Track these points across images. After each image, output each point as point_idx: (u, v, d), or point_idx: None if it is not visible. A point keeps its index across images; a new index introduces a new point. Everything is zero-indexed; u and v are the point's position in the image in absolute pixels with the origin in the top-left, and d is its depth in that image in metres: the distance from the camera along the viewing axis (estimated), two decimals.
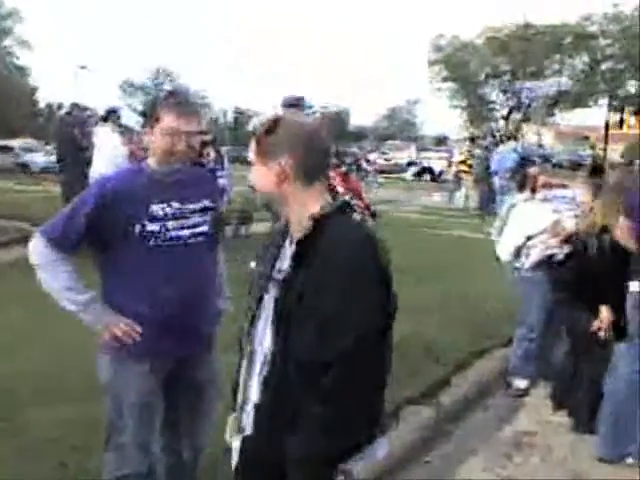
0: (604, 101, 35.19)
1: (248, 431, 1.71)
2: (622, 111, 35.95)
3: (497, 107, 38.54)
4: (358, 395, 1.53)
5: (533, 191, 4.60)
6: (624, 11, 33.49)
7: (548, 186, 4.92)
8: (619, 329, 3.71)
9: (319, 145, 1.66)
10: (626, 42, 33.12)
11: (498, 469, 3.54)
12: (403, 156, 30.24)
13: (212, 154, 7.38)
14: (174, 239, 2.28)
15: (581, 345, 4.08)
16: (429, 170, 27.91)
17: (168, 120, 2.22)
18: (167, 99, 2.32)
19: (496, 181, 13.74)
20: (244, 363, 1.76)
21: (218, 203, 2.54)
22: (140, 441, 2.29)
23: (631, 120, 36.35)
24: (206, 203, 2.38)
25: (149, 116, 2.30)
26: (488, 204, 13.97)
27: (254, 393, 1.70)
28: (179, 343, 2.30)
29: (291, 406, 1.58)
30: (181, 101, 2.28)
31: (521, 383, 4.55)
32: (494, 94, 38.19)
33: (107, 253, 2.30)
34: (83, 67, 39.67)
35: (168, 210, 2.27)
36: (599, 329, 3.73)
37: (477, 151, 15.72)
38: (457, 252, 9.21)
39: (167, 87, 49.91)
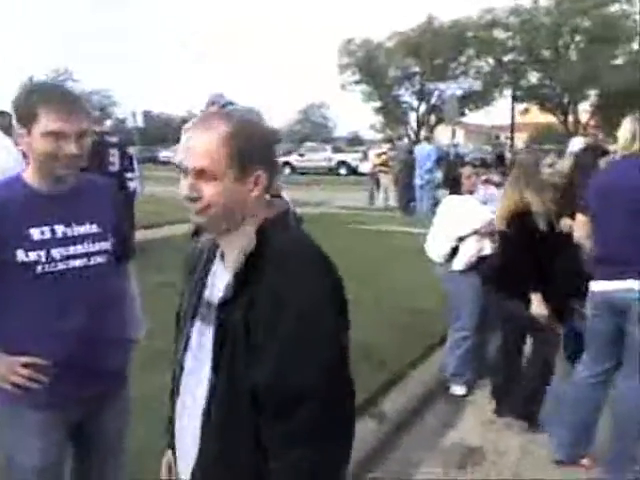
0: (509, 92, 36.53)
1: None
2: (524, 101, 37.42)
3: (411, 109, 39.31)
4: (345, 424, 1.30)
5: (470, 192, 4.39)
6: (523, 4, 34.81)
7: (490, 183, 4.82)
8: (558, 312, 3.69)
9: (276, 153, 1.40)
10: (526, 35, 34.55)
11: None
12: (320, 157, 30.20)
13: (117, 157, 6.81)
14: (63, 268, 1.82)
15: (514, 334, 3.99)
16: (345, 164, 29.17)
17: (49, 119, 1.73)
18: (44, 92, 1.77)
19: (416, 180, 13.79)
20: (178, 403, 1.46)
21: (122, 217, 2.08)
22: None
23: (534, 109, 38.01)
24: (104, 221, 1.93)
25: (20, 113, 1.77)
26: (408, 203, 14.07)
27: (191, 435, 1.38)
28: (83, 384, 1.87)
29: (245, 452, 1.29)
30: (64, 95, 1.79)
31: (459, 389, 4.37)
32: (407, 95, 38.95)
33: None
34: None
35: (51, 235, 1.81)
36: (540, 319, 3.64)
37: (394, 152, 15.71)
38: (383, 247, 9.04)
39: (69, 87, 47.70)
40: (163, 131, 39.83)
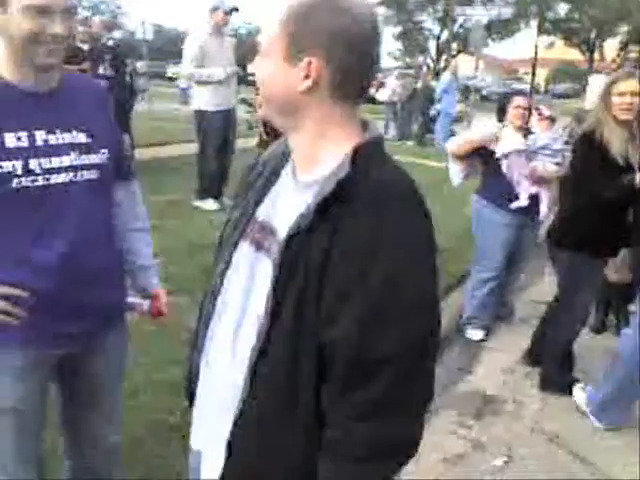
0: (534, 23, 34.88)
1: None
2: (550, 34, 35.84)
3: (432, 36, 37.73)
4: (425, 398, 1.10)
5: (518, 126, 3.87)
6: None
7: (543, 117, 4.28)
8: None
9: (369, 48, 1.07)
10: None
11: (463, 430, 3.09)
12: None
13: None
14: (44, 183, 1.49)
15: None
16: None
17: None
18: None
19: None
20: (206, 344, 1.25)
21: (116, 128, 1.73)
22: (20, 456, 1.61)
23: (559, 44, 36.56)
24: (96, 130, 1.59)
25: None
26: (424, 135, 13.62)
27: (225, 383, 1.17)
28: (66, 320, 1.58)
29: (302, 415, 1.08)
30: None
31: (476, 334, 4.13)
32: (430, 22, 37.28)
33: None
34: None
35: (29, 143, 1.47)
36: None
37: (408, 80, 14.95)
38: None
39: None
40: (174, 47, 38.55)
